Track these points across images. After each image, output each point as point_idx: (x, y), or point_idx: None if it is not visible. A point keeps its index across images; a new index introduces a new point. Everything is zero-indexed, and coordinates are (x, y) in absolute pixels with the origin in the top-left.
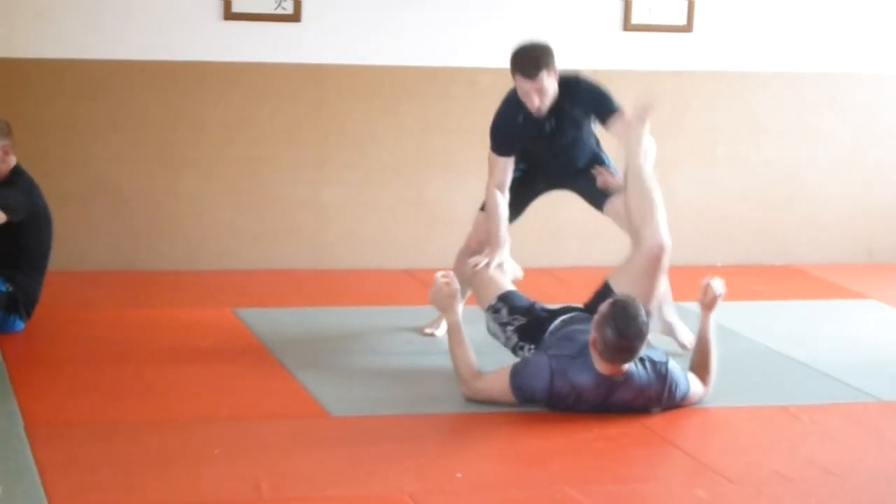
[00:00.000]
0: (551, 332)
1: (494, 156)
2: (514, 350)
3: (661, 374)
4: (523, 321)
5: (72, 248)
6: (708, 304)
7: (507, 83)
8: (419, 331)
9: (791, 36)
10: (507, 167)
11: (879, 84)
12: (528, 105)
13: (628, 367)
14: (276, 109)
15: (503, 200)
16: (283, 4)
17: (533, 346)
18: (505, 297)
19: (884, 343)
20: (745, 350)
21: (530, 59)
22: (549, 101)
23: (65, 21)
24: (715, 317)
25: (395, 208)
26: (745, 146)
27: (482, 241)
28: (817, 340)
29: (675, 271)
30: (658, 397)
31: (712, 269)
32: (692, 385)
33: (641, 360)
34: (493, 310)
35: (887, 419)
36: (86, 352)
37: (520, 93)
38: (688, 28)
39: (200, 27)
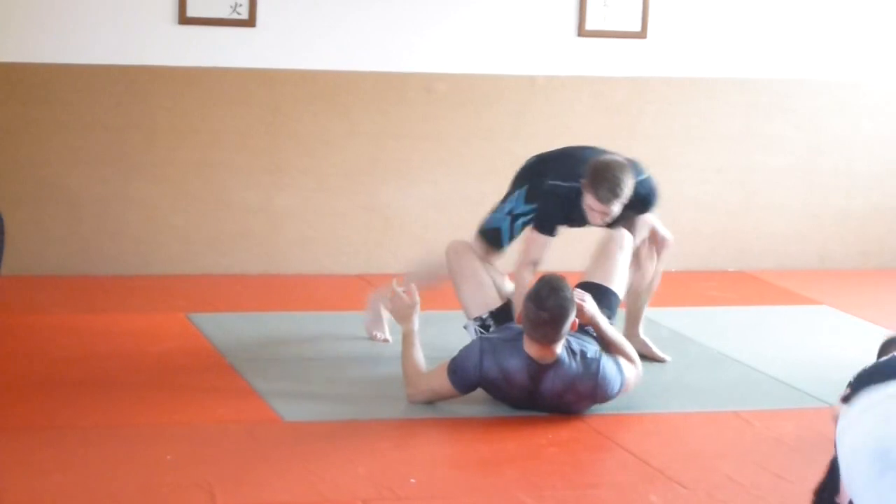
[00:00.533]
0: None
1: (537, 234)
2: None
3: (591, 370)
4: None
5: (23, 252)
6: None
7: (462, 89)
8: (371, 336)
9: (744, 42)
10: (548, 246)
11: (830, 90)
12: (588, 217)
13: (558, 353)
14: (229, 114)
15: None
16: (238, 9)
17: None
18: (498, 310)
19: (836, 348)
20: (698, 355)
21: (615, 188)
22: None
23: (16, 23)
24: (601, 321)
25: (348, 213)
26: (698, 152)
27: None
28: (770, 346)
29: None
30: (590, 395)
31: (665, 274)
32: (626, 373)
33: (573, 352)
34: (481, 323)
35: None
36: (37, 356)
37: (586, 206)
38: (642, 34)
39: (155, 31)
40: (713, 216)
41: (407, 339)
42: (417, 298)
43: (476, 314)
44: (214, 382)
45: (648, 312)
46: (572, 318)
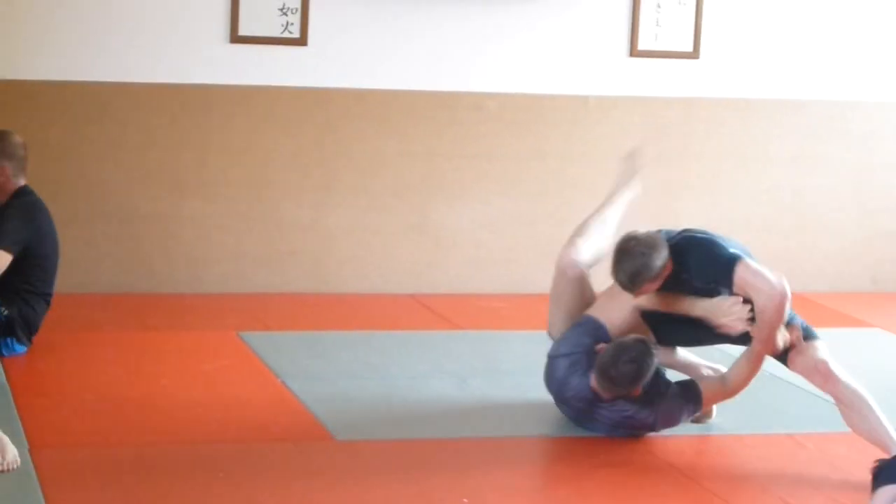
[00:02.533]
0: None
1: None
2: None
3: (652, 401)
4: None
5: (76, 270)
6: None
7: (513, 108)
8: None
9: (796, 63)
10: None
11: (884, 112)
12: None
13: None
14: (281, 133)
15: None
16: (290, 28)
17: None
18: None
19: (888, 371)
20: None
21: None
22: None
23: (71, 43)
24: None
25: (399, 233)
26: (749, 173)
27: None
28: None
29: None
30: (647, 425)
31: None
32: (705, 394)
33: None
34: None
35: (893, 447)
36: (90, 374)
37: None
38: (694, 55)
39: (207, 50)
40: (765, 238)
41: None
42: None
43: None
44: (266, 400)
45: None
46: (641, 384)
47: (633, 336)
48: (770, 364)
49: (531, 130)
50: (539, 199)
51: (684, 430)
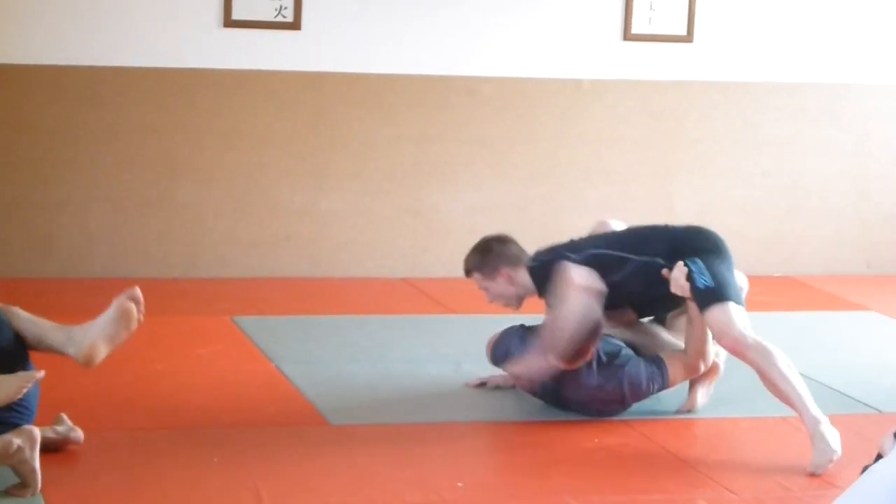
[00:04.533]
0: None
1: None
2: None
3: (617, 375)
4: None
5: (69, 254)
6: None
7: (506, 92)
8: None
9: (791, 46)
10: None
11: (879, 95)
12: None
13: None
14: (275, 117)
15: None
16: (283, 12)
17: None
18: None
19: (884, 354)
20: None
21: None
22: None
23: (64, 27)
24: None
25: (392, 217)
26: (744, 157)
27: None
28: (817, 351)
29: None
30: (619, 400)
31: None
32: (670, 369)
33: (598, 358)
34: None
35: (888, 430)
36: None
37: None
38: (688, 38)
39: (200, 34)
40: (759, 221)
41: None
42: None
43: None
44: (260, 385)
45: None
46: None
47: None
48: None
49: (525, 114)
50: (532, 183)
51: (679, 413)
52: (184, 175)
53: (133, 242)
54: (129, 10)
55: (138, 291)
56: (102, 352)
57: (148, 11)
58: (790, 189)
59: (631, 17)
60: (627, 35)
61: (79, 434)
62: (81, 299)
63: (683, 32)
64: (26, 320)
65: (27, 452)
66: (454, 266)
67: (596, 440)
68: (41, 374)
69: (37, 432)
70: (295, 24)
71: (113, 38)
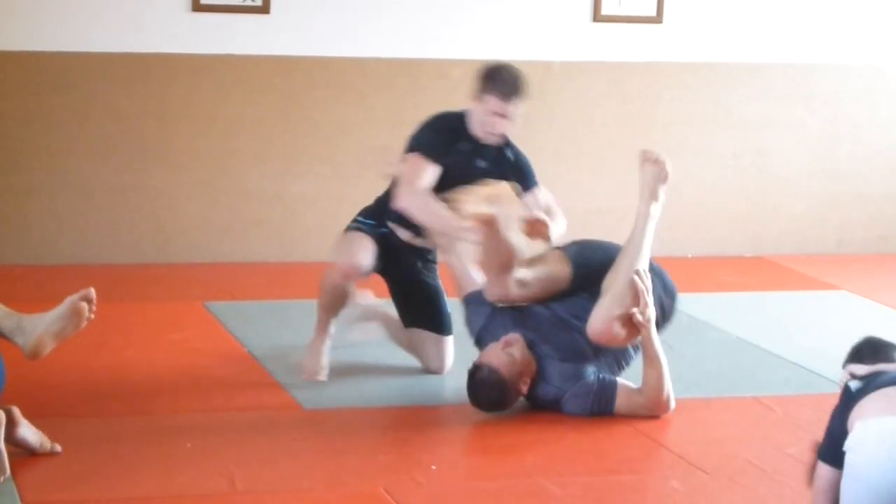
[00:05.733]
0: None
1: (422, 159)
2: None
3: (584, 389)
4: None
5: (38, 241)
6: (645, 320)
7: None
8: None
9: (760, 27)
10: (434, 175)
11: (847, 75)
12: (489, 128)
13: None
14: (245, 102)
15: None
16: None
17: None
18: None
19: (854, 333)
20: (717, 341)
21: (516, 81)
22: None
23: (32, 13)
24: (654, 332)
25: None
26: (714, 137)
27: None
28: (788, 331)
29: None
30: (557, 408)
31: (682, 260)
32: (616, 395)
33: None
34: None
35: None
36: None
37: (483, 116)
38: (658, 19)
39: (169, 19)
40: (730, 202)
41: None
42: None
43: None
44: (232, 370)
45: None
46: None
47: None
48: (736, 327)
49: None
50: None
51: None
52: (154, 161)
53: (104, 228)
54: None
55: (92, 292)
56: (49, 346)
57: None
58: (760, 169)
59: None
60: (597, 16)
61: (58, 448)
62: (52, 286)
63: (653, 13)
64: None
65: None
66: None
67: (570, 422)
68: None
69: (1, 415)
70: (264, 8)
71: (82, 23)
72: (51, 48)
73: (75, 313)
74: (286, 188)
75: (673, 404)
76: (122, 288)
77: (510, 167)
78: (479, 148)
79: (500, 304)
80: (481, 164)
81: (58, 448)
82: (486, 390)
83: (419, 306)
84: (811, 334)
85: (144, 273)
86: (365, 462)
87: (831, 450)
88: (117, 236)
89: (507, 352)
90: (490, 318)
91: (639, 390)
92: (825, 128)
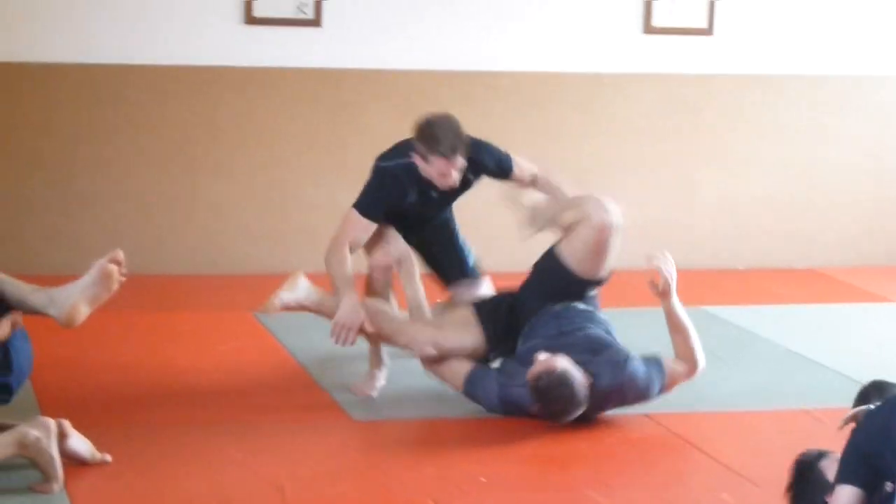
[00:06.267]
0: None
1: (359, 216)
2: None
3: (617, 375)
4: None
5: (90, 251)
6: (662, 292)
7: (527, 86)
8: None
9: (811, 38)
10: (369, 231)
11: None
12: (441, 183)
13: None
14: (295, 113)
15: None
16: (304, 9)
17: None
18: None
19: None
20: (767, 353)
21: (456, 137)
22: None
23: (86, 26)
24: (676, 300)
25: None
26: (765, 149)
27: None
28: (839, 343)
29: (695, 274)
30: (621, 399)
31: (733, 272)
32: (667, 372)
33: (584, 363)
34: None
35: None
36: (107, 356)
37: (433, 171)
38: (708, 31)
39: (222, 32)
40: (780, 213)
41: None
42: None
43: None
44: (282, 380)
45: (717, 310)
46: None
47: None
48: (786, 339)
49: (546, 109)
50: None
51: (701, 406)
52: (206, 172)
53: (156, 239)
54: (152, 8)
55: (120, 253)
56: (83, 313)
57: (170, 10)
58: (810, 181)
59: (651, 10)
60: (648, 28)
61: (108, 458)
62: None
63: (704, 25)
64: (6, 283)
65: (44, 442)
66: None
67: (619, 434)
68: None
69: (52, 423)
70: (315, 21)
71: (135, 36)
72: (106, 61)
73: (106, 277)
74: (336, 198)
75: (703, 363)
76: (173, 298)
77: (476, 179)
78: (430, 188)
79: (495, 359)
80: (435, 195)
81: (108, 458)
82: (557, 390)
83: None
84: (861, 346)
85: (195, 283)
86: (413, 473)
87: (860, 470)
88: (169, 247)
89: (548, 363)
90: (500, 376)
91: (675, 360)
92: (875, 139)
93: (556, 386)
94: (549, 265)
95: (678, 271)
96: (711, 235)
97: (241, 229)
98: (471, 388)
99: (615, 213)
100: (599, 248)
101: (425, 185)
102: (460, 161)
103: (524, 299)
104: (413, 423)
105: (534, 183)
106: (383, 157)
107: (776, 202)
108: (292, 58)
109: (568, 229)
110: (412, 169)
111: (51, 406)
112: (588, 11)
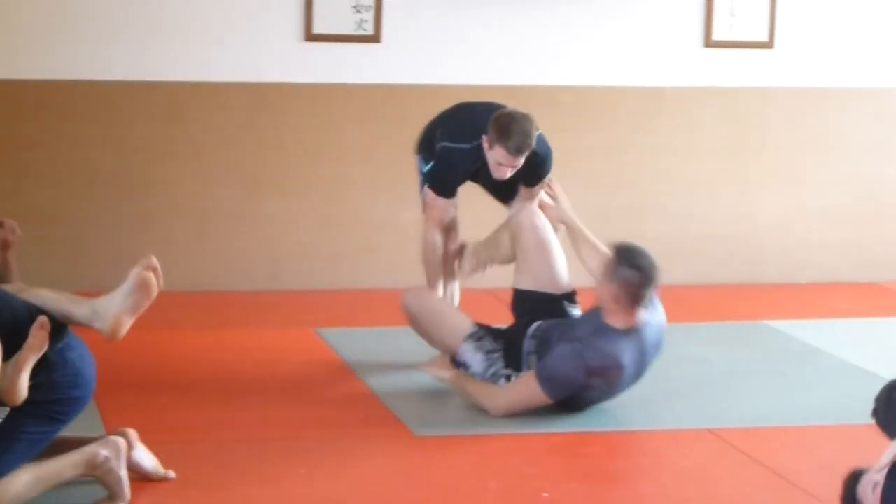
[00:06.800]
0: (528, 352)
1: (435, 197)
2: (496, 376)
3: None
4: (502, 346)
5: None
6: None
7: (588, 101)
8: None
9: (873, 51)
10: (450, 207)
11: None
12: (493, 171)
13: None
14: (356, 130)
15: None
16: (364, 25)
17: (515, 372)
18: (480, 324)
19: None
20: (832, 368)
21: (525, 139)
22: None
23: (147, 44)
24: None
25: (477, 227)
26: (828, 163)
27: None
28: None
29: (758, 289)
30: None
31: (796, 287)
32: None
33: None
34: (476, 337)
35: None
36: (170, 372)
37: (493, 161)
38: (769, 44)
39: (282, 49)
40: (842, 228)
41: (459, 380)
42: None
43: (459, 341)
44: (345, 397)
45: (781, 325)
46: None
47: None
48: (850, 354)
49: (607, 124)
50: (616, 193)
51: (765, 420)
52: (267, 188)
53: (217, 256)
54: (211, 26)
55: (154, 259)
56: (126, 324)
57: (229, 26)
58: (873, 195)
59: (711, 24)
60: (709, 42)
61: (172, 475)
62: (166, 313)
63: (765, 38)
64: (49, 298)
65: (113, 462)
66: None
67: (681, 450)
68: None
69: (122, 442)
70: (375, 37)
71: (195, 54)
72: (166, 78)
73: (143, 285)
74: (398, 215)
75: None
76: (236, 315)
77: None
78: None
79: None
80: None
81: (171, 474)
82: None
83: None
84: None
85: (257, 300)
86: (476, 489)
87: None
88: (231, 264)
89: None
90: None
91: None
92: None
93: (636, 251)
94: (519, 299)
95: (741, 285)
96: (774, 250)
97: (301, 245)
98: (550, 385)
99: (541, 214)
100: (542, 246)
101: (485, 165)
102: (520, 161)
103: (515, 335)
104: (475, 438)
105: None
106: (447, 139)
107: (839, 216)
108: (352, 74)
109: (515, 258)
110: (477, 149)
111: (115, 423)
112: (648, 26)
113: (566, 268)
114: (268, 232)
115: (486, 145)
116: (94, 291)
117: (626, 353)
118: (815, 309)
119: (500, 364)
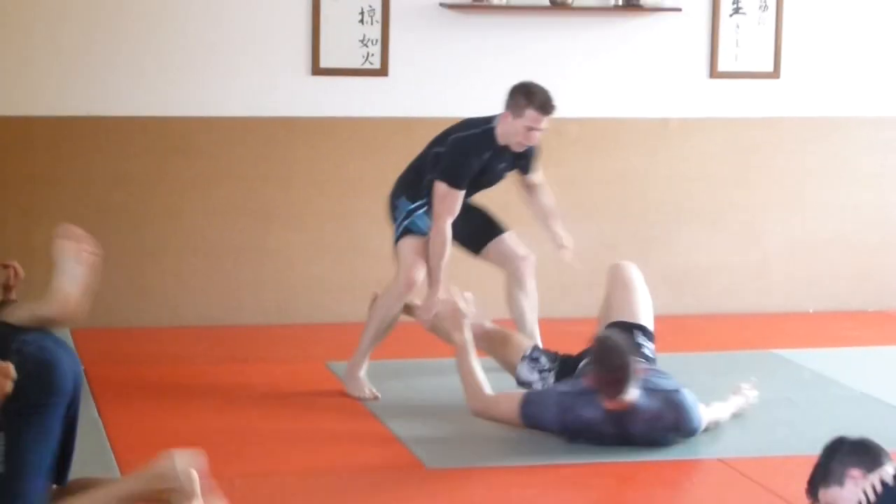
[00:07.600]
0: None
1: (449, 189)
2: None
3: (672, 403)
4: (557, 367)
5: (162, 303)
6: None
7: (594, 131)
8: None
9: (878, 80)
10: (461, 198)
11: None
12: (522, 141)
13: (634, 399)
14: (364, 163)
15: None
16: (371, 59)
17: None
18: (537, 347)
19: None
20: (841, 396)
21: (550, 99)
22: None
23: (155, 78)
24: None
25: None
26: (834, 191)
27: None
28: None
29: (767, 318)
30: (675, 426)
31: (804, 316)
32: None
33: (650, 388)
34: (532, 359)
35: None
36: (180, 406)
37: (522, 129)
38: (775, 74)
39: (289, 83)
40: (851, 256)
41: (463, 350)
42: (463, 305)
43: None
44: (356, 429)
45: (790, 354)
46: (636, 367)
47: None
48: (860, 382)
49: (612, 154)
50: (622, 222)
51: (777, 450)
52: (276, 222)
53: (226, 290)
54: (219, 60)
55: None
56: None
57: (237, 61)
58: (882, 222)
59: (717, 55)
60: (714, 72)
61: None
62: (174, 347)
63: (770, 68)
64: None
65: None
66: (544, 306)
67: (696, 480)
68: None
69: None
70: (382, 71)
71: (202, 88)
72: (175, 113)
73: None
74: None
75: None
76: (245, 349)
77: (524, 158)
78: (499, 152)
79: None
80: (501, 165)
81: None
82: (609, 350)
83: (479, 227)
84: None
85: (267, 334)
86: None
87: None
88: (240, 297)
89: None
90: (558, 390)
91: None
92: None
93: (607, 348)
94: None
95: (749, 315)
96: (782, 279)
97: (312, 279)
98: (528, 410)
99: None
100: (628, 285)
101: (498, 151)
102: (545, 123)
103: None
104: (487, 470)
105: (533, 188)
106: (457, 130)
107: (846, 245)
108: (359, 107)
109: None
110: (489, 134)
111: (127, 459)
112: (654, 56)
113: (651, 309)
114: (277, 265)
115: (508, 119)
116: (103, 328)
117: (603, 426)
118: (823, 337)
119: (550, 381)
